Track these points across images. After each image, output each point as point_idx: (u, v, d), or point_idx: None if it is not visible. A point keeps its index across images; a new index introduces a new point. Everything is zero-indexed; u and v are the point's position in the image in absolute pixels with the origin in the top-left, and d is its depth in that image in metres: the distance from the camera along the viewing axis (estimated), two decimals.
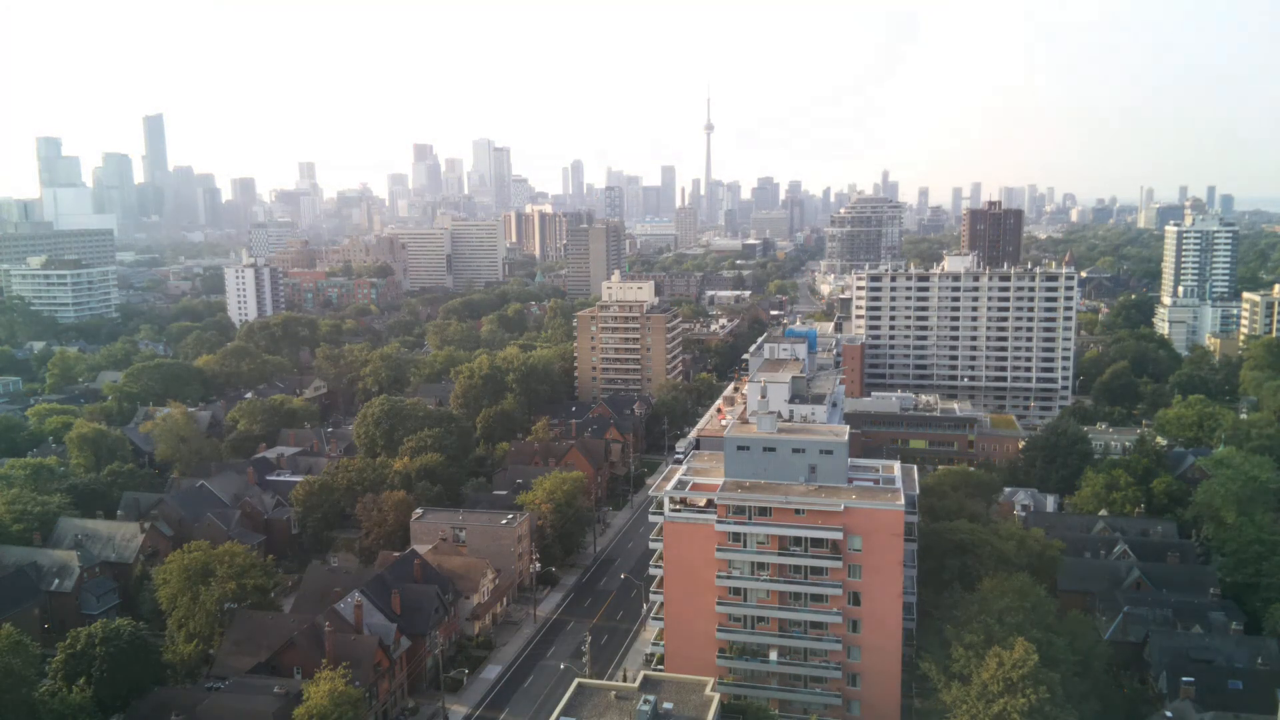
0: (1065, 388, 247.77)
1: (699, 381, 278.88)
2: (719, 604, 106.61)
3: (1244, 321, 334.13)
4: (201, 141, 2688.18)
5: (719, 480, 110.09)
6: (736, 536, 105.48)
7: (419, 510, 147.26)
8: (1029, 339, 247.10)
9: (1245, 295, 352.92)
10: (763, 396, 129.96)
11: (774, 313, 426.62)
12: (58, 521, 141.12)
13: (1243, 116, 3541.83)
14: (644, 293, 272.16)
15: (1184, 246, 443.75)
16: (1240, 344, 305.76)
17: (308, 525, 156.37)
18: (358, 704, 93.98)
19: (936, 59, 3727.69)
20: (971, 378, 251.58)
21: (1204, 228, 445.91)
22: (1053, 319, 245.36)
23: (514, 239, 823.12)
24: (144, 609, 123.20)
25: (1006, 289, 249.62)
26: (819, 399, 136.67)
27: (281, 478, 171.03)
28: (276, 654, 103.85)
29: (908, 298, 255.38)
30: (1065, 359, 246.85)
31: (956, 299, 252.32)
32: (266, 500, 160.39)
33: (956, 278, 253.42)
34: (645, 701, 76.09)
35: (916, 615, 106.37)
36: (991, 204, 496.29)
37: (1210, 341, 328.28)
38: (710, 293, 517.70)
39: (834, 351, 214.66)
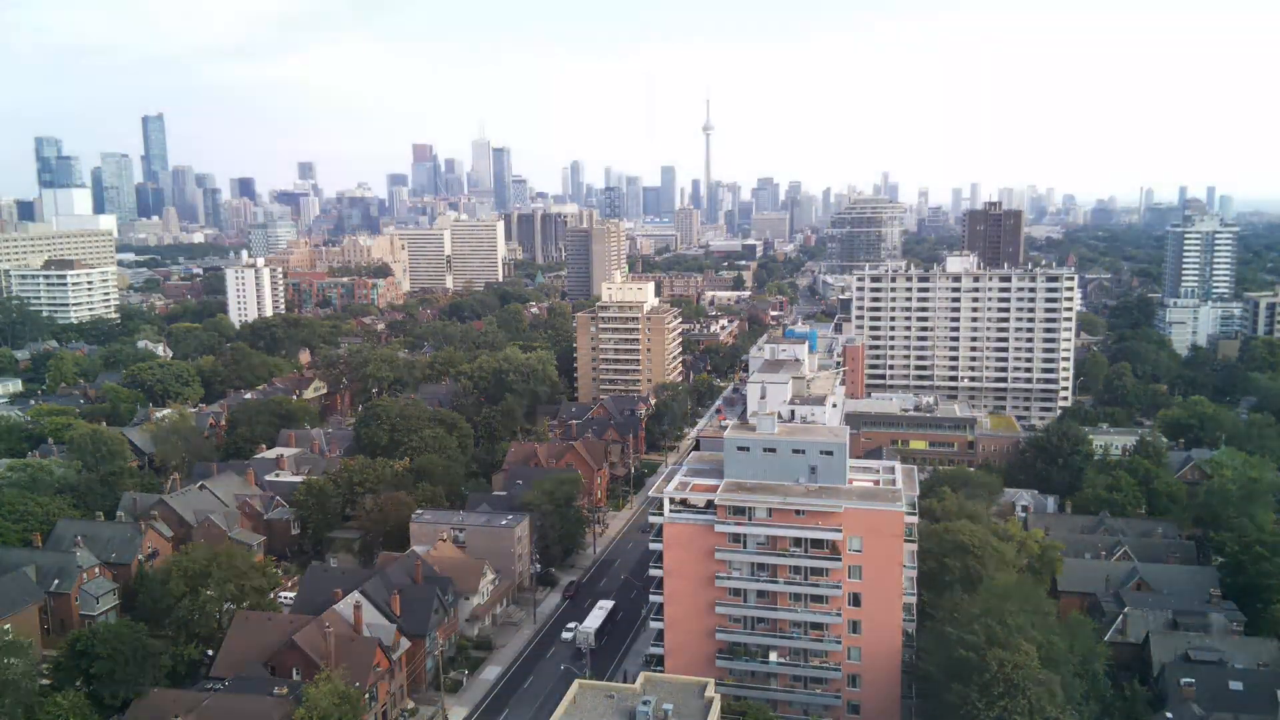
0: (1066, 388, 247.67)
1: (699, 382, 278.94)
2: (719, 605, 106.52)
3: (1244, 322, 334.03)
4: (201, 141, 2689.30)
5: (719, 481, 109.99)
6: (736, 537, 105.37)
7: (419, 511, 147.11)
8: (1029, 340, 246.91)
9: (1245, 295, 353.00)
10: (763, 397, 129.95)
11: (774, 313, 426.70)
12: (57, 523, 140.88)
13: (1242, 117, 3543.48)
14: (644, 293, 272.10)
15: (1185, 247, 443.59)
16: (1239, 345, 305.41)
17: (308, 526, 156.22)
18: (357, 705, 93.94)
19: (936, 59, 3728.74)
20: (972, 379, 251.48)
21: (1205, 228, 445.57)
22: (1053, 320, 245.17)
23: (514, 239, 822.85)
24: (143, 610, 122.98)
25: (1007, 290, 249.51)
26: (819, 399, 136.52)
27: (281, 478, 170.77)
28: (276, 655, 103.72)
29: (908, 298, 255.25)
30: (1066, 360, 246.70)
31: (957, 300, 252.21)
32: (266, 501, 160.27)
33: (957, 278, 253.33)
34: (645, 702, 76.00)
35: (916, 616, 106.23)
36: (990, 204, 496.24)
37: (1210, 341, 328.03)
38: (710, 293, 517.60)
39: (834, 352, 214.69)
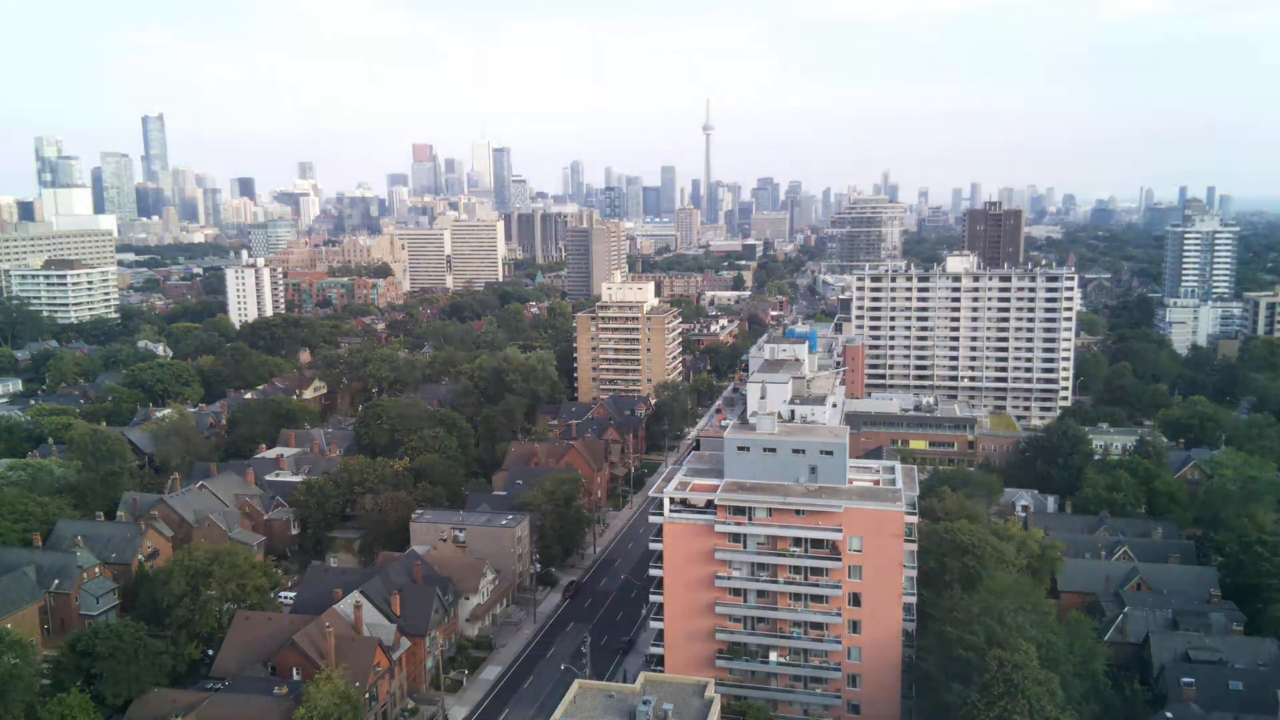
0: (1066, 388, 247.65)
1: (699, 382, 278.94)
2: (719, 605, 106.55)
3: (1244, 322, 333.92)
4: (201, 141, 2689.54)
5: (719, 481, 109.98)
6: (736, 537, 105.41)
7: (419, 511, 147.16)
8: (1029, 340, 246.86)
9: (1245, 295, 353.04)
10: (763, 397, 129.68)
11: (774, 313, 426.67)
12: (57, 523, 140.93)
13: (1242, 117, 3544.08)
14: (644, 293, 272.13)
15: (1185, 247, 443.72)
16: (1239, 345, 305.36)
17: (308, 526, 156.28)
18: (357, 705, 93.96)
19: (936, 59, 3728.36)
20: (972, 378, 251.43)
21: (1205, 228, 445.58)
22: (1053, 320, 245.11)
23: (514, 239, 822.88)
24: (143, 610, 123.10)
25: (1007, 290, 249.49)
26: (819, 399, 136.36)
27: (281, 478, 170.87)
28: (276, 655, 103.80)
29: (908, 298, 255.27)
30: (1066, 359, 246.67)
31: (957, 300, 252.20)
32: (266, 501, 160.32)
33: (957, 278, 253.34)
34: (645, 702, 76.01)
35: (916, 616, 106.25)
36: (990, 204, 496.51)
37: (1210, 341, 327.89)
38: (710, 293, 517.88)
39: (835, 352, 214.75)
